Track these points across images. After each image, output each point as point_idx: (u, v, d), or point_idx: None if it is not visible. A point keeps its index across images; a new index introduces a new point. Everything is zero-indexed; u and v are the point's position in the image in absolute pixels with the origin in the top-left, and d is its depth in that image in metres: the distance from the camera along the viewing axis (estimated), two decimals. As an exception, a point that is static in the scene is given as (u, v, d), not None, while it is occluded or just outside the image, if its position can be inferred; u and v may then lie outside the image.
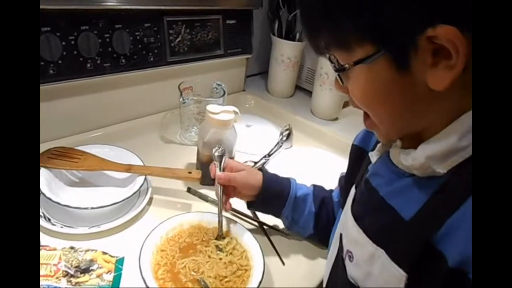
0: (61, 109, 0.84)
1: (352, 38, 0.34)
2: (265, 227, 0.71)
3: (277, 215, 0.67)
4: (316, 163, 0.98)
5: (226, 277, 0.55)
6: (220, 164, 0.66)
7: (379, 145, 0.47)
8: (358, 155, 0.57)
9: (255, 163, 0.91)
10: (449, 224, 0.33)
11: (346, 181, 0.60)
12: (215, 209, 0.72)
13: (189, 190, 0.78)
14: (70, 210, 0.63)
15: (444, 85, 0.32)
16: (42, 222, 0.62)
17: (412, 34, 0.31)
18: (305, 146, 1.04)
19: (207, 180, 0.77)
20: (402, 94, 0.36)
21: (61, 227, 0.62)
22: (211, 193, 0.77)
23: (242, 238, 0.62)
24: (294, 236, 0.70)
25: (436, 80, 0.32)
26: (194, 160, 0.85)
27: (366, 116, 0.42)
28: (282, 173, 0.76)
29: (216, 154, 0.68)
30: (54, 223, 0.63)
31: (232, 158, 0.81)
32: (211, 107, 0.77)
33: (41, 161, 0.69)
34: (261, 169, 0.71)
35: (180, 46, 0.99)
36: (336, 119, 1.16)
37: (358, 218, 0.45)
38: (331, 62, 0.39)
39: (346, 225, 0.47)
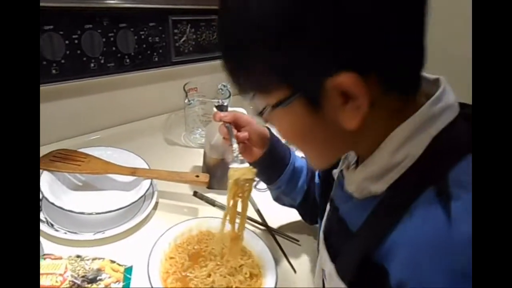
0: (63, 110, 0.82)
1: (267, 81, 0.35)
2: (273, 232, 0.69)
3: (271, 181, 0.64)
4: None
5: (237, 286, 0.53)
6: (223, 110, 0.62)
7: (341, 161, 0.47)
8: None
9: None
10: (391, 240, 0.33)
11: (322, 180, 0.59)
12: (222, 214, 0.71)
13: (195, 194, 0.75)
14: (74, 215, 0.60)
15: (354, 124, 0.33)
16: (45, 228, 0.59)
17: (319, 79, 0.32)
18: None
19: (215, 184, 0.75)
20: (321, 133, 0.37)
21: (65, 233, 0.60)
22: (218, 197, 0.75)
23: (253, 245, 0.60)
24: (304, 242, 0.68)
25: (347, 119, 0.34)
26: (199, 163, 0.83)
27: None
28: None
29: (218, 104, 0.63)
30: (58, 229, 0.60)
31: (240, 161, 0.79)
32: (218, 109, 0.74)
33: (43, 164, 0.67)
34: (266, 127, 0.65)
35: (185, 46, 0.97)
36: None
37: (326, 237, 0.47)
38: (252, 104, 0.40)
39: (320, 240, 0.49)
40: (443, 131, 0.35)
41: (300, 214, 0.69)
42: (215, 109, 0.73)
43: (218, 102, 0.85)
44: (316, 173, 0.66)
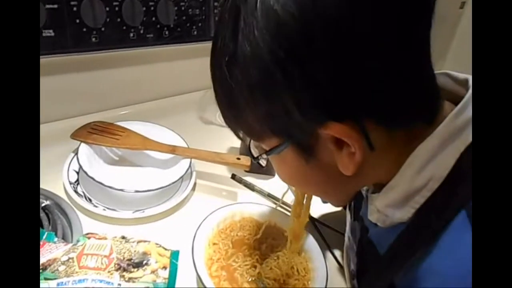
0: (98, 81, 0.79)
1: (259, 130, 0.34)
2: (316, 223, 0.66)
3: None
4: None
5: (285, 280, 0.50)
6: None
7: None
8: None
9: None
10: (419, 268, 0.31)
11: None
12: (263, 200, 0.68)
13: (233, 177, 0.72)
14: (113, 191, 0.58)
15: (351, 170, 0.32)
16: (83, 203, 0.57)
17: (309, 129, 0.31)
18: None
19: (255, 168, 0.72)
20: (319, 177, 0.36)
21: (104, 209, 0.57)
22: (256, 181, 0.72)
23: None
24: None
25: (343, 166, 0.32)
26: (235, 144, 0.80)
27: None
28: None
29: None
30: (96, 205, 0.58)
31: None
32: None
33: (81, 136, 0.64)
34: None
35: (224, 21, 0.92)
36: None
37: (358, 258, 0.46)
38: (249, 149, 0.40)
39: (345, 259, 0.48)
40: (471, 145, 0.30)
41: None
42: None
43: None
44: None
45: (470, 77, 0.34)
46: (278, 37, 0.27)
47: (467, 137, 0.30)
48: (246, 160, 0.67)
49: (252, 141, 0.39)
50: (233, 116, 0.36)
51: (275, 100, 0.30)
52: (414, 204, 0.32)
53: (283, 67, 0.28)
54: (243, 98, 0.32)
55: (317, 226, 0.65)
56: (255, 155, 0.39)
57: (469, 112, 0.31)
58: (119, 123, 0.71)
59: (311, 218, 0.66)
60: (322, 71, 0.27)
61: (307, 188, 0.42)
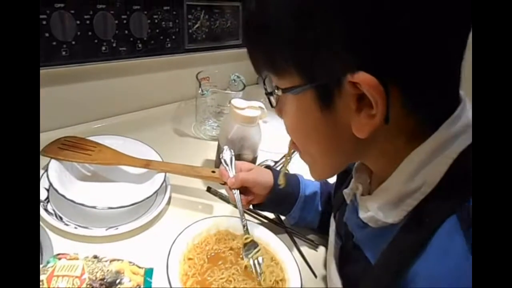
0: (71, 94, 0.77)
1: (283, 65, 0.34)
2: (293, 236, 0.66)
3: (284, 214, 0.66)
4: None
5: (261, 292, 0.50)
6: (232, 167, 0.62)
7: (352, 181, 0.45)
8: (342, 175, 0.54)
9: (276, 162, 0.86)
10: (412, 272, 0.31)
11: (335, 191, 0.59)
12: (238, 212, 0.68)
13: (209, 189, 0.72)
14: (85, 208, 0.57)
15: (365, 133, 0.32)
16: (54, 221, 0.55)
17: (335, 76, 0.30)
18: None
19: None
20: (327, 132, 0.35)
21: (75, 227, 0.56)
22: (232, 194, 0.72)
23: (274, 248, 0.57)
24: (321, 248, 0.66)
25: (358, 126, 0.32)
26: (211, 156, 0.80)
27: (294, 145, 0.42)
28: (304, 174, 0.72)
29: (226, 156, 0.63)
30: (67, 223, 0.57)
31: (255, 157, 0.76)
32: (236, 102, 0.71)
33: (51, 152, 0.63)
34: (269, 167, 0.67)
35: (198, 33, 0.93)
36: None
37: (341, 265, 0.45)
38: (264, 84, 0.39)
39: (329, 267, 0.47)
40: (463, 152, 0.31)
41: (325, 233, 0.66)
42: (233, 103, 0.70)
43: (234, 96, 0.82)
44: (333, 192, 0.65)
45: (461, 91, 0.35)
46: None
47: (460, 145, 0.32)
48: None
49: (268, 78, 0.38)
50: (262, 49, 0.35)
51: (308, 31, 0.30)
52: (407, 207, 0.33)
53: (329, 6, 0.28)
54: (279, 31, 0.32)
55: (293, 238, 0.66)
56: (269, 90, 0.37)
57: (461, 122, 0.32)
58: (91, 138, 0.70)
59: (287, 230, 0.67)
60: (364, 16, 0.28)
61: (307, 142, 0.39)
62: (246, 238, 0.56)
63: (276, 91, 0.36)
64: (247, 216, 0.65)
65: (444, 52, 0.30)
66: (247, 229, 0.58)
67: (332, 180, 0.70)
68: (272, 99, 0.39)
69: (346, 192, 0.45)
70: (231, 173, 0.61)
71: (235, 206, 0.69)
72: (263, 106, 0.73)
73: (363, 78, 0.29)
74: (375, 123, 0.31)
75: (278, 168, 0.84)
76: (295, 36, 0.31)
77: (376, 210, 0.36)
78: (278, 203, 0.63)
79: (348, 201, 0.44)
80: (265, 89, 0.39)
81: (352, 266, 0.43)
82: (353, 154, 0.38)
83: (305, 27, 0.30)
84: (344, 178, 0.52)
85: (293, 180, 0.65)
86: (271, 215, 0.70)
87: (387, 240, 0.34)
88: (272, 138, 0.95)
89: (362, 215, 0.38)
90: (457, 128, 0.32)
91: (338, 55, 0.29)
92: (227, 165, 0.62)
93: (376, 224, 0.36)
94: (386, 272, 0.33)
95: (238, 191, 0.60)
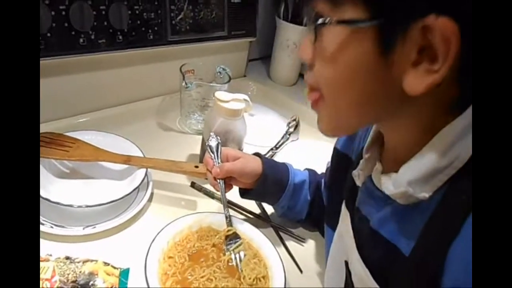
0: (48, 89, 0.74)
1: None
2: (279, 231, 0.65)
3: (273, 203, 0.65)
4: (324, 157, 0.92)
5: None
6: (217, 155, 0.60)
7: (361, 161, 0.42)
8: (340, 161, 0.53)
9: (262, 156, 0.84)
10: (450, 252, 0.29)
11: (330, 189, 0.57)
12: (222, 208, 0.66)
13: (193, 185, 0.70)
14: (61, 207, 0.55)
15: (418, 90, 0.29)
16: (29, 221, 0.53)
17: (408, 16, 0.27)
18: (312, 138, 0.98)
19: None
20: (373, 83, 0.32)
21: (51, 226, 0.54)
22: (217, 189, 0.71)
23: (258, 244, 0.56)
24: (308, 242, 0.64)
25: (412, 81, 0.29)
26: (196, 150, 0.78)
27: (316, 93, 0.36)
28: (294, 164, 0.71)
29: (211, 143, 0.61)
30: (43, 222, 0.55)
31: (241, 150, 0.74)
32: (220, 95, 0.69)
33: (26, 149, 0.61)
34: (258, 154, 0.64)
35: (181, 25, 0.90)
36: (342, 111, 1.09)
37: (361, 252, 0.41)
38: (311, 15, 0.33)
39: (351, 256, 0.43)
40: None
41: (312, 226, 0.66)
42: (216, 96, 0.68)
43: (218, 88, 0.80)
44: (323, 180, 0.63)
45: None
46: None
47: None
48: (204, 168, 0.65)
49: (319, 5, 0.32)
50: None
51: None
52: (438, 182, 0.31)
53: None
54: None
55: (278, 231, 0.64)
56: (320, 22, 0.32)
57: None
58: (70, 134, 0.67)
59: (273, 225, 0.65)
60: None
61: (342, 91, 0.34)
62: (228, 231, 0.55)
63: (326, 20, 0.31)
64: (231, 212, 0.63)
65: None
66: (230, 220, 0.56)
67: (320, 170, 0.69)
68: (312, 35, 0.33)
69: (355, 174, 0.42)
70: (217, 162, 0.59)
71: (219, 200, 0.68)
72: (247, 98, 0.71)
73: (443, 25, 0.26)
74: (434, 80, 0.28)
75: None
76: None
77: (406, 184, 0.33)
78: (266, 191, 0.61)
79: (359, 184, 0.42)
80: (313, 20, 0.32)
81: (371, 252, 0.40)
82: (385, 114, 0.35)
83: None
84: (342, 168, 0.50)
85: (282, 168, 0.63)
86: (256, 210, 0.68)
87: (417, 223, 0.33)
88: (258, 131, 0.93)
89: (391, 191, 0.35)
90: None
91: None
92: (212, 153, 0.60)
93: (407, 201, 0.34)
94: (427, 262, 0.31)
95: (223, 181, 0.58)
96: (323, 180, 0.64)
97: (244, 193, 0.63)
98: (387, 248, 0.36)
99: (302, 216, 0.64)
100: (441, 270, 0.29)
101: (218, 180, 0.58)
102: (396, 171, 0.35)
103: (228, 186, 0.60)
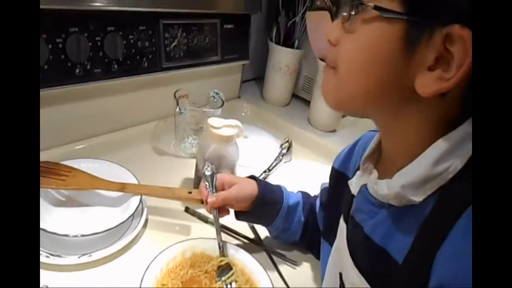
0: (46, 118, 0.76)
1: None
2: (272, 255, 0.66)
3: (267, 225, 0.65)
4: (316, 178, 0.93)
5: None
6: (212, 184, 0.62)
7: (358, 172, 0.45)
8: (338, 180, 0.56)
9: (255, 178, 0.85)
10: (439, 253, 0.31)
11: (327, 206, 0.59)
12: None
13: (187, 210, 0.72)
14: (58, 237, 0.56)
15: (427, 91, 0.32)
16: (25, 251, 0.55)
17: (437, 21, 0.30)
18: (305, 159, 1.00)
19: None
20: (386, 71, 0.34)
21: (47, 256, 0.55)
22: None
23: (251, 270, 0.57)
24: (302, 265, 0.66)
25: (424, 83, 0.32)
26: (190, 174, 0.80)
27: (330, 69, 0.39)
28: (288, 185, 0.73)
29: (207, 173, 0.63)
30: (40, 252, 0.56)
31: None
32: (212, 121, 0.71)
33: (23, 179, 0.62)
34: (253, 177, 0.66)
35: (175, 51, 0.93)
36: (334, 130, 1.12)
37: (355, 259, 0.43)
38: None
39: (346, 266, 0.45)
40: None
41: (306, 248, 0.67)
42: (209, 123, 0.70)
43: (211, 113, 0.82)
44: (317, 202, 0.65)
45: None
46: None
47: None
48: (198, 194, 0.67)
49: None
50: None
51: None
52: (429, 189, 0.34)
53: None
54: None
55: (272, 257, 0.65)
56: (358, 2, 0.34)
57: None
58: (67, 162, 0.69)
59: (266, 249, 0.67)
60: None
61: (359, 73, 0.36)
62: (221, 261, 0.56)
63: (364, 6, 0.33)
64: (224, 236, 0.65)
65: None
66: (223, 250, 0.57)
67: (313, 191, 0.71)
68: (346, 13, 0.35)
69: (351, 182, 0.45)
70: (212, 191, 0.61)
71: (213, 224, 0.69)
72: (240, 124, 0.73)
73: (466, 35, 0.28)
74: (444, 86, 0.31)
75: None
76: None
77: (400, 187, 0.35)
78: (261, 213, 0.62)
79: (355, 193, 0.44)
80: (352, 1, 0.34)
81: (363, 258, 0.42)
82: (388, 108, 0.37)
83: None
84: (340, 186, 0.52)
85: (277, 190, 0.65)
86: (250, 234, 0.69)
87: (409, 229, 0.35)
88: (252, 153, 0.95)
89: (385, 193, 0.37)
90: None
91: (455, 3, 0.29)
92: (207, 182, 0.62)
93: (400, 202, 0.36)
94: (420, 268, 0.33)
95: (216, 210, 0.60)
96: (317, 201, 0.66)
97: (239, 215, 0.64)
98: (378, 253, 0.38)
99: (296, 237, 0.65)
100: (429, 274, 0.31)
101: (212, 211, 0.60)
102: (391, 178, 0.37)
103: (225, 211, 0.62)
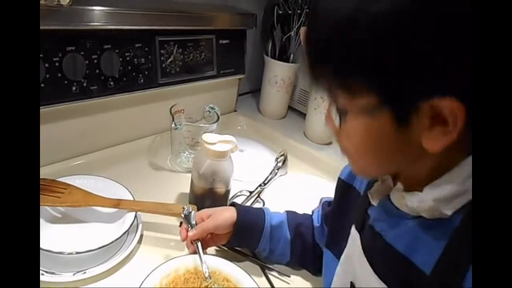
0: (42, 135, 0.77)
1: (357, 86, 0.34)
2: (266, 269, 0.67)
3: (253, 248, 0.66)
4: (312, 191, 0.94)
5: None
6: (191, 222, 0.63)
7: (377, 184, 0.46)
8: (345, 191, 0.57)
9: (251, 192, 0.86)
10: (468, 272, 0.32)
11: (333, 217, 0.59)
12: (210, 250, 0.68)
13: (181, 225, 0.72)
14: (52, 254, 0.57)
15: (438, 148, 0.33)
16: (20, 269, 0.55)
17: (417, 100, 0.32)
18: (300, 172, 1.00)
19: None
20: (396, 147, 0.36)
21: (42, 274, 0.56)
22: (205, 228, 0.72)
23: (245, 286, 0.57)
24: (296, 279, 0.66)
25: (431, 142, 0.33)
26: (186, 189, 0.80)
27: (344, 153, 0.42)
28: (280, 202, 0.73)
29: (184, 214, 0.64)
30: (34, 270, 0.56)
31: (228, 190, 0.77)
32: (207, 137, 0.72)
33: (19, 197, 0.63)
34: (233, 203, 0.68)
35: (171, 67, 0.94)
36: (330, 143, 1.13)
37: (374, 267, 0.44)
38: (334, 101, 0.39)
39: (361, 274, 0.45)
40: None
41: (300, 266, 0.67)
42: (203, 139, 0.71)
43: (207, 128, 0.83)
44: (316, 216, 0.65)
45: None
46: None
47: None
48: (192, 209, 0.68)
49: (332, 96, 0.38)
50: (333, 70, 0.35)
51: (393, 66, 0.31)
52: (457, 204, 0.35)
53: (412, 36, 0.29)
54: (356, 56, 0.32)
55: (265, 272, 0.66)
56: (342, 113, 0.37)
57: None
58: (62, 179, 0.70)
59: (260, 264, 0.67)
60: (457, 41, 0.29)
61: (368, 155, 0.39)
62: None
63: (347, 110, 0.36)
64: (219, 251, 0.65)
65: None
66: (209, 276, 0.57)
67: (309, 204, 0.71)
68: (338, 123, 0.39)
69: (372, 192, 0.46)
70: (191, 229, 0.62)
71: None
72: (234, 140, 0.74)
73: (448, 103, 0.30)
74: (450, 139, 0.32)
75: (253, 199, 0.85)
76: (379, 63, 0.31)
77: (431, 201, 0.36)
78: (244, 236, 0.64)
79: (375, 203, 0.45)
80: (337, 108, 0.38)
81: (385, 267, 0.42)
82: (406, 164, 0.39)
83: (393, 57, 0.31)
84: (347, 196, 0.54)
85: (258, 212, 0.66)
86: (246, 250, 0.70)
87: (439, 241, 0.36)
88: (247, 167, 0.96)
89: (415, 204, 0.38)
90: None
91: (424, 82, 0.31)
92: (187, 221, 0.63)
93: (432, 215, 0.37)
94: (450, 279, 0.34)
95: (199, 242, 0.60)
96: (316, 215, 0.67)
97: (223, 244, 0.66)
98: (401, 262, 0.39)
99: (287, 258, 0.66)
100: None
101: (195, 244, 0.60)
102: (413, 190, 0.39)
103: (210, 242, 0.64)
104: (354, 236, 0.49)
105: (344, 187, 0.57)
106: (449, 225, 0.36)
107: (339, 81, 0.36)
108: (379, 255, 0.43)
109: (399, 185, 0.42)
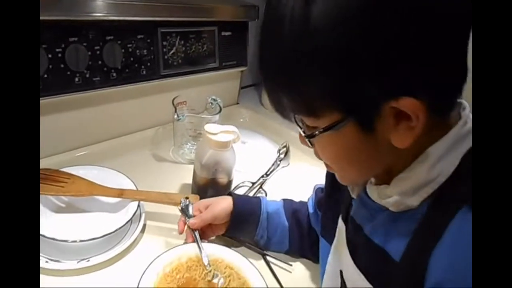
0: (47, 126, 0.78)
1: (317, 105, 0.35)
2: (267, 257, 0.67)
3: (251, 236, 0.66)
4: (314, 182, 0.94)
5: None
6: (188, 214, 0.63)
7: None
8: (334, 180, 0.56)
9: (253, 183, 0.86)
10: (432, 256, 0.33)
11: (324, 205, 0.60)
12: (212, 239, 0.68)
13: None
14: (57, 242, 0.57)
15: (407, 143, 0.34)
16: (25, 256, 0.56)
17: (376, 104, 0.33)
18: (302, 163, 1.00)
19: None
20: (369, 153, 0.38)
21: (46, 261, 0.56)
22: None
23: (246, 274, 0.58)
24: (297, 267, 0.66)
25: (399, 139, 0.34)
26: (188, 180, 0.81)
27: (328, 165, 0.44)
28: (282, 193, 0.74)
29: (182, 206, 0.64)
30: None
31: (230, 180, 0.77)
32: (209, 127, 0.72)
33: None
34: (230, 193, 0.68)
35: (174, 59, 0.94)
36: (332, 135, 1.12)
37: (355, 259, 0.45)
38: (299, 125, 0.40)
39: (346, 265, 0.47)
40: (469, 151, 0.36)
41: (300, 255, 0.68)
42: (206, 129, 0.71)
43: (209, 119, 0.83)
44: (310, 203, 0.66)
45: (463, 101, 0.39)
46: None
47: (469, 143, 0.36)
48: (194, 199, 0.68)
49: (299, 120, 0.39)
50: (292, 92, 0.36)
51: (347, 75, 0.32)
52: (423, 194, 0.36)
53: (360, 42, 0.30)
54: (312, 72, 0.33)
55: (267, 260, 0.66)
56: (308, 133, 0.38)
57: (469, 125, 0.37)
58: (66, 169, 0.70)
59: (261, 252, 0.67)
60: (393, 47, 0.30)
61: (347, 165, 0.41)
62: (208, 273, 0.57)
63: (315, 131, 0.37)
64: (220, 240, 0.66)
65: (459, 56, 0.34)
66: (209, 264, 0.57)
67: (298, 198, 0.72)
68: (310, 140, 0.40)
69: (351, 187, 0.47)
70: (190, 219, 0.63)
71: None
72: (236, 130, 0.74)
73: (406, 102, 0.32)
74: (416, 133, 0.33)
75: (255, 190, 0.85)
76: (333, 78, 0.32)
77: (397, 194, 0.38)
78: (241, 224, 0.64)
79: (354, 196, 0.46)
80: (303, 132, 0.39)
81: (364, 258, 0.44)
82: (386, 164, 0.40)
83: (344, 68, 0.32)
84: (336, 186, 0.53)
85: (254, 200, 0.67)
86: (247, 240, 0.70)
87: (407, 230, 0.37)
88: (250, 159, 0.96)
89: (384, 199, 0.40)
90: (466, 129, 0.37)
91: (379, 86, 0.32)
92: (184, 214, 0.64)
93: (398, 208, 0.38)
94: (416, 267, 0.35)
95: (197, 232, 0.61)
96: (310, 202, 0.68)
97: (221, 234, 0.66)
98: (378, 253, 0.40)
99: (285, 246, 0.66)
100: (425, 274, 0.33)
101: (193, 233, 0.61)
102: (388, 183, 0.39)
103: (209, 232, 0.64)
104: (340, 227, 0.50)
105: (333, 176, 0.57)
106: (416, 215, 0.37)
107: (299, 105, 0.36)
108: (359, 247, 0.45)
109: (372, 179, 0.43)
